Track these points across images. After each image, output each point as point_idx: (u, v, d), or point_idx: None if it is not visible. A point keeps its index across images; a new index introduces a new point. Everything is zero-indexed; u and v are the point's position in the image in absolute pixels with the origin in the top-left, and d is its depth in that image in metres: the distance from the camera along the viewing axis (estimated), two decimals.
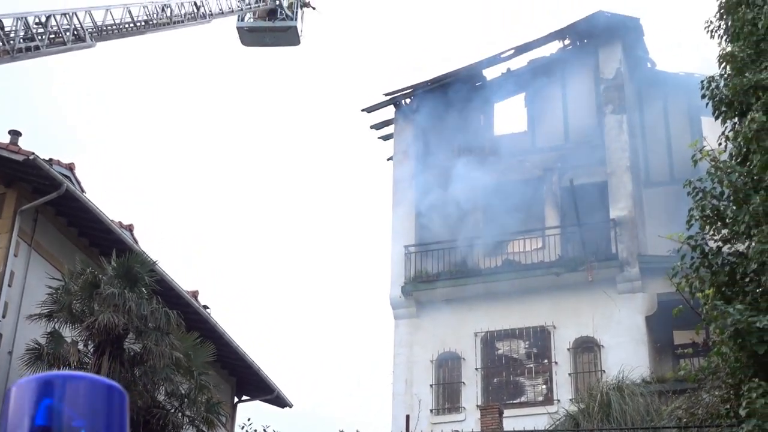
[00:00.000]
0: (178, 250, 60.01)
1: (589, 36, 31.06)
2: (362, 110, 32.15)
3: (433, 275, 29.28)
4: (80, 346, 19.56)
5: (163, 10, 23.74)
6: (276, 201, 70.82)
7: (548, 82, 31.57)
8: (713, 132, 13.95)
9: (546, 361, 28.12)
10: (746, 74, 12.76)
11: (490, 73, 32.19)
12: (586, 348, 27.82)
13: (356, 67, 69.90)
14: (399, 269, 29.70)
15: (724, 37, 14.37)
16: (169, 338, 19.71)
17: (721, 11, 14.58)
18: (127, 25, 22.48)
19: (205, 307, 25.94)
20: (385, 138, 32.95)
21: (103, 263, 20.18)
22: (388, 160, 32.67)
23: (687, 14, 48.89)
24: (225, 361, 26.24)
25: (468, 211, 30.36)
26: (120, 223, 23.52)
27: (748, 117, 12.16)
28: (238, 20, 29.94)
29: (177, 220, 67.14)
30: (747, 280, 12.09)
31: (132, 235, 24.35)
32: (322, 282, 70.02)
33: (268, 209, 70.39)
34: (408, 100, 32.15)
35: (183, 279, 24.21)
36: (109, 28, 21.74)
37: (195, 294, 25.75)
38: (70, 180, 21.58)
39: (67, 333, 19.63)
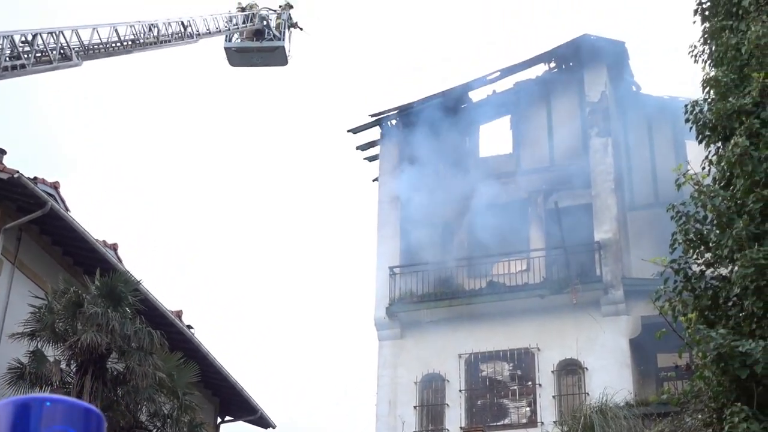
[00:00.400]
0: (163, 269, 59.90)
1: (574, 59, 31.20)
2: (348, 131, 32.22)
3: (418, 296, 29.29)
4: (63, 366, 19.49)
5: (150, 29, 23.75)
6: (262, 220, 70.78)
7: (534, 104, 31.68)
8: (698, 155, 14.01)
9: (530, 383, 28.12)
10: (730, 99, 12.82)
11: (476, 95, 32.34)
12: (570, 370, 27.84)
13: (343, 87, 70.06)
14: (383, 290, 29.70)
15: (708, 62, 14.43)
16: (152, 358, 19.65)
17: (705, 36, 14.66)
18: (113, 45, 22.47)
19: (189, 326, 25.88)
20: (371, 159, 33.00)
21: (86, 282, 20.12)
22: (373, 180, 32.71)
23: (672, 38, 49.13)
24: (208, 381, 26.15)
25: (453, 232, 30.42)
26: (104, 242, 23.48)
27: (732, 142, 12.21)
28: (226, 40, 29.95)
29: (163, 239, 67.01)
30: (730, 304, 12.11)
31: (116, 254, 24.30)
32: (307, 302, 69.94)
33: (253, 228, 70.35)
34: (394, 121, 32.22)
35: (167, 298, 24.19)
36: (96, 47, 21.73)
37: (179, 314, 25.70)
38: (55, 198, 21.55)
39: (50, 352, 19.55)
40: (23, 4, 56.97)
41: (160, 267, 59.33)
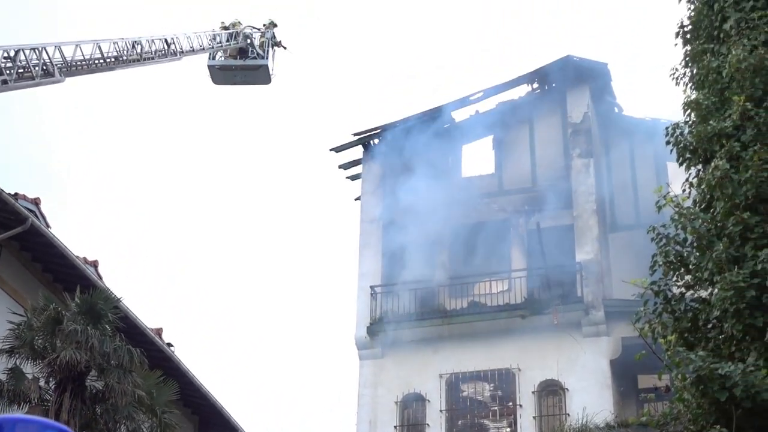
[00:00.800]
0: (145, 286, 59.70)
1: (557, 80, 31.28)
2: (331, 150, 32.21)
3: (399, 316, 29.24)
4: (41, 383, 19.37)
5: (133, 46, 23.74)
6: (245, 238, 70.64)
7: (516, 124, 31.74)
8: (679, 177, 14.06)
9: (510, 403, 28.09)
10: (710, 122, 12.89)
11: (459, 115, 32.38)
12: (551, 391, 27.82)
13: (326, 106, 70.11)
14: (365, 309, 29.66)
15: (689, 85, 14.52)
16: (131, 376, 19.55)
17: (687, 59, 14.75)
18: (96, 61, 22.45)
19: (169, 344, 25.79)
20: (353, 178, 33.00)
21: (66, 299, 20.02)
22: (355, 199, 32.70)
23: (654, 60, 49.38)
24: (188, 399, 26.05)
25: (435, 252, 30.41)
26: (84, 258, 23.39)
27: (712, 164, 12.28)
28: (209, 58, 29.97)
29: (145, 257, 66.81)
30: (709, 326, 12.16)
31: (96, 271, 24.21)
32: (288, 321, 69.79)
33: (236, 246, 70.19)
34: (376, 141, 32.23)
35: (147, 316, 24.11)
36: (79, 63, 21.71)
37: (159, 331, 25.60)
38: (35, 215, 21.47)
39: (29, 369, 19.42)
40: (22, 19, 56.90)
41: (141, 284, 59.18)
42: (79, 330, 18.82)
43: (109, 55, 22.92)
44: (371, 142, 32.24)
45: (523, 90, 32.01)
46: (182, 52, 26.12)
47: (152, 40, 24.57)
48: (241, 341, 68.06)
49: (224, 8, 63.20)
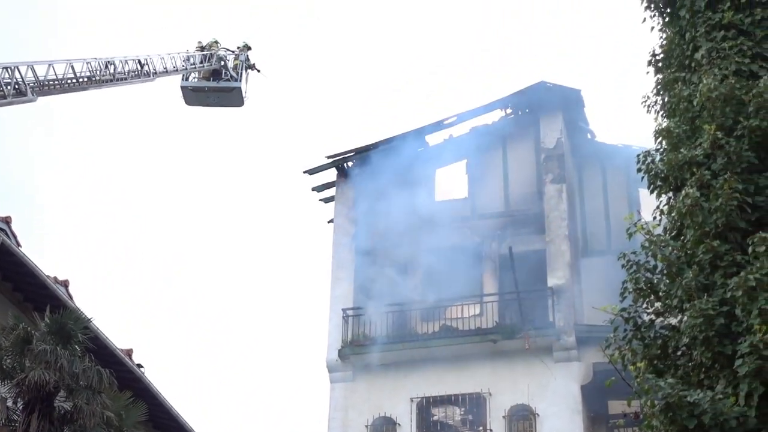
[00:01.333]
0: (116, 307, 59.40)
1: (531, 105, 31.42)
2: (304, 172, 32.20)
3: (371, 339, 29.21)
4: (9, 403, 19.24)
5: (106, 66, 23.68)
6: (217, 259, 70.45)
7: (490, 149, 31.83)
8: (650, 204, 14.13)
9: (481, 428, 28.10)
10: (681, 150, 12.97)
11: (433, 139, 32.43)
12: (522, 416, 27.83)
13: (300, 129, 70.14)
14: (336, 332, 29.62)
15: (661, 113, 14.62)
16: (100, 397, 19.45)
17: (658, 87, 14.85)
18: (69, 81, 22.38)
19: (139, 365, 25.64)
20: (327, 200, 33.00)
21: (36, 319, 19.91)
22: (328, 222, 32.70)
23: (627, 88, 49.72)
24: (157, 421, 25.91)
25: (407, 275, 30.43)
26: (55, 278, 23.25)
27: (683, 192, 12.35)
28: (183, 79, 29.94)
29: (116, 277, 66.50)
30: (679, 354, 12.19)
31: (67, 291, 24.06)
32: (260, 344, 69.56)
33: (208, 268, 69.95)
34: (350, 164, 32.25)
35: (118, 337, 23.97)
36: (51, 83, 21.63)
37: (129, 352, 25.45)
38: (6, 233, 21.34)
39: None
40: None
41: (113, 305, 58.87)
42: (48, 350, 18.73)
43: (82, 74, 22.86)
44: (345, 164, 32.26)
45: (497, 115, 32.17)
46: (155, 72, 26.08)
47: (125, 61, 24.52)
48: (213, 363, 67.79)
49: (222, 8, 63.32)
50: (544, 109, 31.10)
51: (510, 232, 30.21)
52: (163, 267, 68.56)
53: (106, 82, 23.76)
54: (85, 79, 23.00)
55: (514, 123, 31.91)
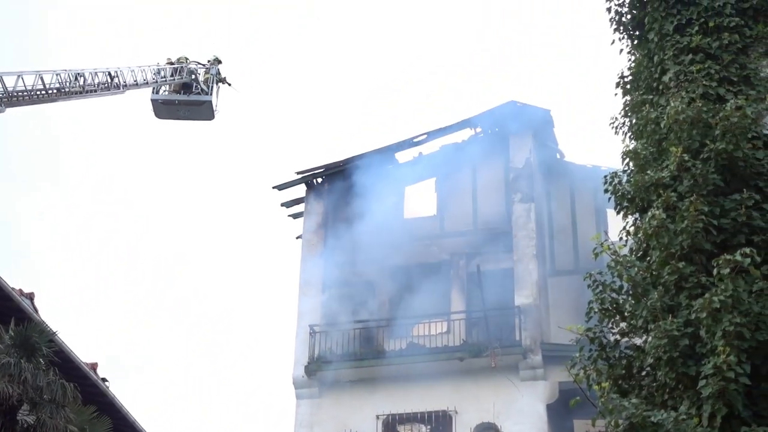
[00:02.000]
0: (82, 320, 59.01)
1: (500, 125, 31.50)
2: (274, 187, 32.16)
3: (337, 356, 29.16)
4: None
5: (76, 78, 23.63)
6: (184, 273, 70.20)
7: (459, 167, 31.90)
8: (618, 224, 14.23)
9: None
10: (648, 172, 13.08)
11: (402, 157, 32.47)
12: None
13: (271, 144, 70.06)
14: (303, 348, 29.53)
15: (628, 134, 14.75)
16: (64, 411, 19.35)
17: (626, 109, 14.99)
18: (38, 92, 22.31)
19: (104, 379, 25.49)
20: (296, 216, 32.96)
21: (0, 332, 19.77)
22: (297, 238, 32.66)
23: (596, 109, 50.00)
24: None
25: (374, 292, 30.43)
26: (20, 290, 23.11)
27: (649, 214, 12.45)
28: (153, 92, 29.88)
29: (82, 290, 66.08)
30: (643, 374, 12.27)
31: (32, 303, 23.91)
32: (226, 359, 69.26)
33: (175, 282, 69.69)
34: (319, 180, 32.25)
35: (83, 350, 23.84)
36: (20, 94, 21.56)
37: (94, 366, 25.31)
38: None
39: None
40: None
41: (78, 318, 58.49)
42: (12, 363, 18.62)
43: (51, 86, 22.80)
44: (315, 181, 32.25)
45: (466, 133, 32.22)
46: (125, 85, 26.05)
47: (95, 73, 24.48)
48: (178, 379, 67.44)
49: (221, 8, 63.24)
50: (513, 128, 31.19)
51: (478, 250, 30.26)
52: (130, 280, 68.26)
53: (76, 93, 23.71)
54: (55, 91, 22.94)
55: (484, 142, 31.98)
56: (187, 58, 30.61)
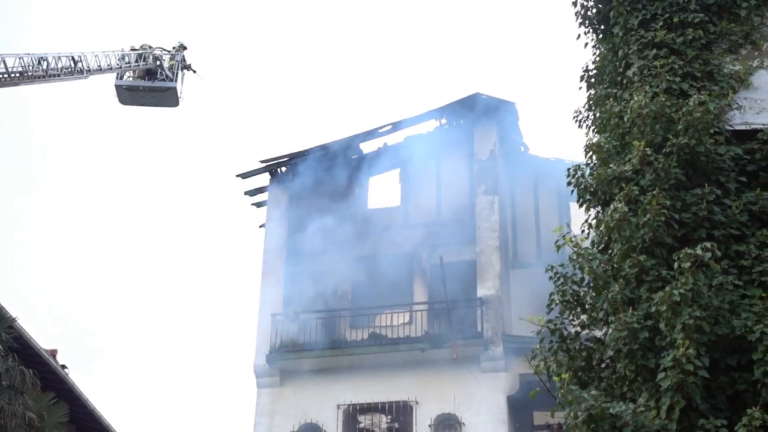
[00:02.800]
0: (40, 307, 58.61)
1: (465, 116, 31.56)
2: (237, 176, 32.06)
3: (299, 345, 29.14)
4: None
5: (39, 62, 23.44)
6: (146, 261, 69.87)
7: (423, 159, 31.92)
8: (581, 217, 14.28)
9: None
10: (611, 165, 13.12)
11: (367, 147, 32.47)
12: (448, 425, 27.93)
13: (235, 132, 69.83)
14: (265, 337, 29.49)
15: (592, 128, 14.80)
16: (23, 397, 19.24)
17: (590, 103, 15.04)
18: (1, 76, 22.10)
19: (63, 366, 25.34)
20: (259, 205, 32.88)
21: None
22: (260, 227, 32.58)
23: (560, 102, 50.21)
24: (80, 422, 25.60)
25: (337, 282, 30.41)
26: None
27: (611, 207, 12.48)
28: (117, 78, 29.69)
29: (40, 277, 65.61)
30: (603, 366, 12.33)
31: None
32: (188, 347, 69.06)
33: (137, 270, 69.35)
34: (283, 169, 32.16)
35: (43, 337, 23.65)
36: None
37: (53, 353, 25.15)
38: None
39: None
40: None
41: (37, 305, 58.09)
42: None
43: (14, 70, 22.60)
44: (278, 169, 32.17)
45: (431, 125, 32.26)
46: (89, 70, 25.87)
47: (59, 57, 24.29)
48: (139, 367, 67.17)
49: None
50: (478, 120, 31.26)
51: (441, 241, 30.31)
52: (92, 268, 67.83)
53: (39, 78, 23.53)
54: (17, 75, 22.75)
55: (449, 133, 32.02)
56: (150, 46, 30.42)
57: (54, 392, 21.71)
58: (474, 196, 30.59)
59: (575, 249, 12.68)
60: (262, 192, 32.56)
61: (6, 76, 22.27)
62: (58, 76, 24.27)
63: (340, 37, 70.50)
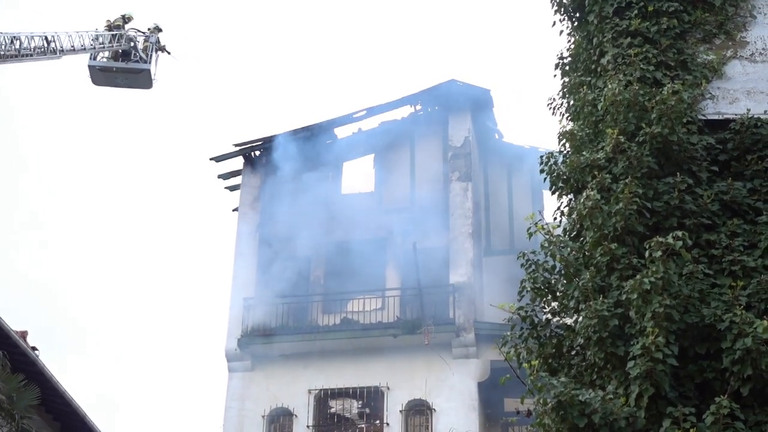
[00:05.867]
0: (11, 289, 58.29)
1: (440, 103, 31.57)
2: (211, 159, 31.94)
3: (271, 329, 29.12)
4: None
5: (11, 42, 23.26)
6: (118, 243, 69.58)
7: (398, 145, 31.92)
8: (555, 205, 14.33)
9: (378, 421, 28.18)
10: (584, 153, 13.15)
11: (342, 132, 32.42)
12: (418, 411, 28.00)
13: (209, 115, 69.59)
14: (237, 321, 29.45)
15: (566, 115, 14.83)
16: None
17: (564, 90, 15.07)
18: None
19: (34, 348, 25.18)
20: (232, 189, 32.78)
21: None
22: (233, 210, 32.49)
23: (535, 89, 50.28)
24: (50, 405, 25.42)
25: (310, 267, 30.37)
26: None
27: (583, 195, 12.51)
28: (90, 58, 29.51)
29: (12, 259, 65.24)
30: (573, 353, 12.37)
31: None
32: (159, 330, 68.90)
33: (108, 252, 69.07)
34: (257, 153, 32.07)
35: (12, 319, 23.48)
36: None
37: (23, 334, 24.96)
38: None
39: None
40: None
41: (7, 287, 57.76)
42: None
43: None
44: (252, 153, 32.08)
45: (406, 111, 32.25)
46: (62, 50, 25.70)
47: (32, 37, 24.12)
48: (111, 348, 66.95)
49: None
50: (453, 107, 31.28)
51: (415, 227, 30.29)
52: (63, 248, 67.51)
53: (11, 57, 23.35)
54: None
55: (423, 120, 32.03)
56: (128, 17, 30.19)
57: (24, 374, 21.57)
58: (448, 183, 30.61)
59: (547, 236, 12.69)
60: (236, 176, 32.47)
61: None
62: (31, 55, 24.11)
63: (315, 22, 70.33)
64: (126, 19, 30.85)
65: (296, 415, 28.23)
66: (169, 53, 31.47)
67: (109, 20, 29.93)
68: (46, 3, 64.16)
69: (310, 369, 28.64)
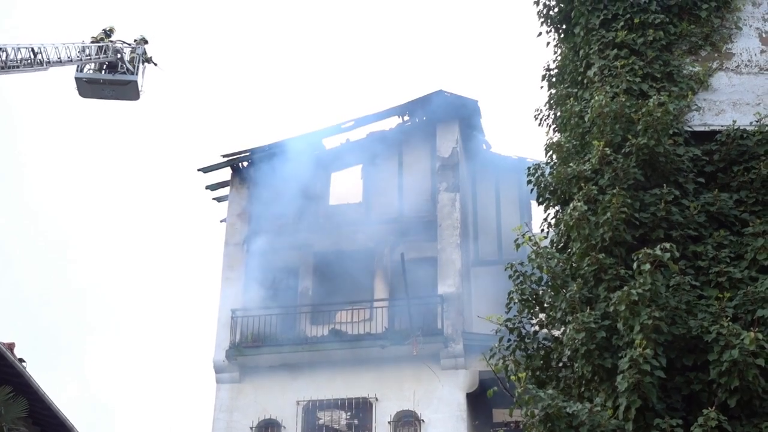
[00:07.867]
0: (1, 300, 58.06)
1: (428, 114, 31.57)
2: (199, 170, 31.90)
3: (259, 341, 29.05)
4: None
5: None
6: (107, 254, 69.42)
7: (386, 155, 31.90)
8: (542, 216, 14.34)
9: None
10: (570, 164, 13.17)
11: (330, 143, 32.41)
12: (407, 422, 27.96)
13: (197, 126, 69.52)
14: (225, 333, 29.39)
15: (553, 127, 14.86)
16: None
17: (551, 102, 15.09)
18: None
19: (21, 360, 25.09)
20: (220, 200, 32.75)
21: None
22: (221, 221, 32.45)
23: (522, 101, 50.38)
24: (38, 417, 25.34)
25: (298, 278, 30.33)
26: None
27: (570, 206, 12.52)
28: (77, 70, 29.48)
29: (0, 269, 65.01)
30: (561, 365, 12.36)
31: None
32: (147, 341, 68.71)
33: (97, 263, 68.88)
34: (245, 164, 32.05)
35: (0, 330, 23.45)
36: None
37: (11, 346, 24.88)
38: None
39: None
40: None
41: None
42: None
43: None
44: (240, 164, 32.05)
45: (394, 121, 32.26)
46: (49, 62, 25.66)
47: (18, 48, 24.08)
48: (99, 360, 66.74)
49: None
50: (441, 118, 31.28)
51: (403, 238, 30.30)
52: (50, 259, 67.30)
53: None
54: None
55: (411, 130, 32.03)
56: (110, 31, 30.17)
57: (11, 386, 21.48)
58: (436, 194, 30.60)
59: (534, 248, 12.69)
60: (223, 186, 32.44)
61: None
62: (18, 67, 24.07)
63: (303, 33, 70.37)
64: (107, 32, 30.84)
65: (285, 427, 28.18)
66: (155, 65, 31.46)
67: (93, 36, 29.92)
68: (40, 12, 64.09)
69: (299, 380, 28.59)
